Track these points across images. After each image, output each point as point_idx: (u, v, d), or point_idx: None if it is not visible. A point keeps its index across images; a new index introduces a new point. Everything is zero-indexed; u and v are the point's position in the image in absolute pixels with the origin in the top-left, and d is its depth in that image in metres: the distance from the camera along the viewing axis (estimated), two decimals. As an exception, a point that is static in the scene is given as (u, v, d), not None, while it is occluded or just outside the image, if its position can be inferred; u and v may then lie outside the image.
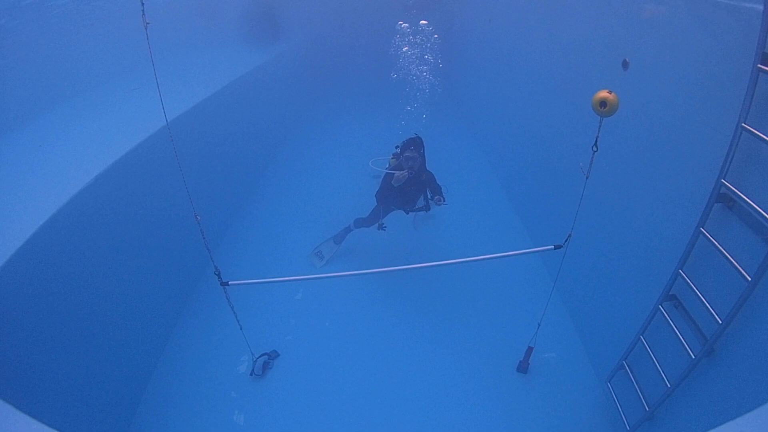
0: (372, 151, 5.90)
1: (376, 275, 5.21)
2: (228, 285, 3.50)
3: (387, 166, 5.47)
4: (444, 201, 5.05)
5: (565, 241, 3.46)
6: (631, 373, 3.54)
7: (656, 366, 3.14)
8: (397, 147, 5.39)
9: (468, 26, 10.66)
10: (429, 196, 5.34)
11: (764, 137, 2.31)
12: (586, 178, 3.07)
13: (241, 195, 7.38)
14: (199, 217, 3.11)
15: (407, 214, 5.68)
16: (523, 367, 4.44)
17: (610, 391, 3.82)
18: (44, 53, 4.74)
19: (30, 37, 4.65)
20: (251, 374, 4.43)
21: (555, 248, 3.53)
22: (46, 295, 3.18)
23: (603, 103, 2.65)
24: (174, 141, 2.94)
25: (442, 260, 3.65)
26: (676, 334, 2.96)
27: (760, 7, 2.33)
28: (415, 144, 5.14)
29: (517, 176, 7.28)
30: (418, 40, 9.42)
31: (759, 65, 2.33)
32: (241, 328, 3.96)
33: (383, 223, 5.61)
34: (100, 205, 3.80)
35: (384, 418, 4.11)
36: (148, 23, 2.40)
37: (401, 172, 4.98)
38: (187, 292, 5.36)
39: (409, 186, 5.23)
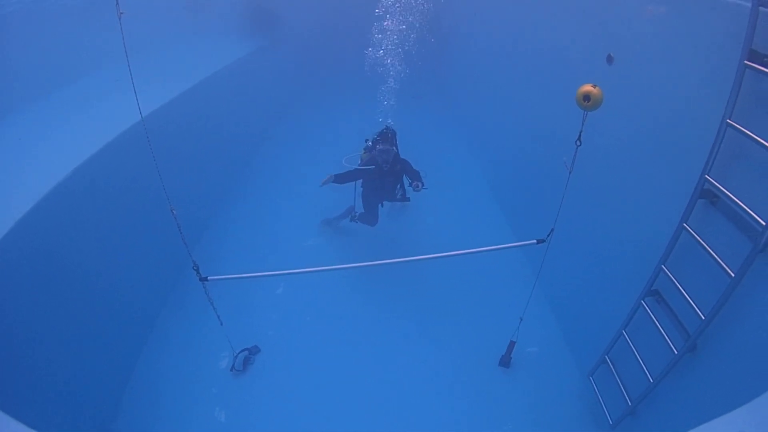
0: (356, 144, 5.83)
1: (357, 270, 5.17)
2: (207, 280, 3.44)
3: (359, 161, 5.44)
4: (424, 186, 5.01)
5: (548, 235, 3.45)
6: (614, 367, 3.55)
7: (639, 361, 3.15)
8: (367, 140, 5.34)
9: (453, 20, 10.60)
10: (408, 184, 5.30)
11: (749, 134, 2.31)
12: (570, 172, 3.05)
13: (224, 189, 7.24)
14: (174, 211, 3.04)
15: (382, 206, 5.66)
16: (505, 362, 4.44)
17: (593, 386, 3.84)
18: (29, 45, 4.62)
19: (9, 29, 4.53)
20: (232, 370, 4.37)
21: (538, 242, 3.52)
22: (22, 293, 3.09)
23: (587, 97, 2.63)
24: (150, 134, 2.87)
25: (424, 255, 3.62)
26: (659, 329, 2.97)
27: (748, 3, 2.31)
28: (387, 136, 5.10)
29: (500, 170, 7.27)
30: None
31: (746, 61, 2.32)
32: (221, 324, 3.89)
33: (356, 215, 5.69)
34: (76, 201, 3.70)
35: (366, 412, 4.09)
36: (122, 13, 2.31)
37: (328, 177, 5.03)
38: (168, 287, 5.26)
39: (386, 177, 5.20)
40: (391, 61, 9.26)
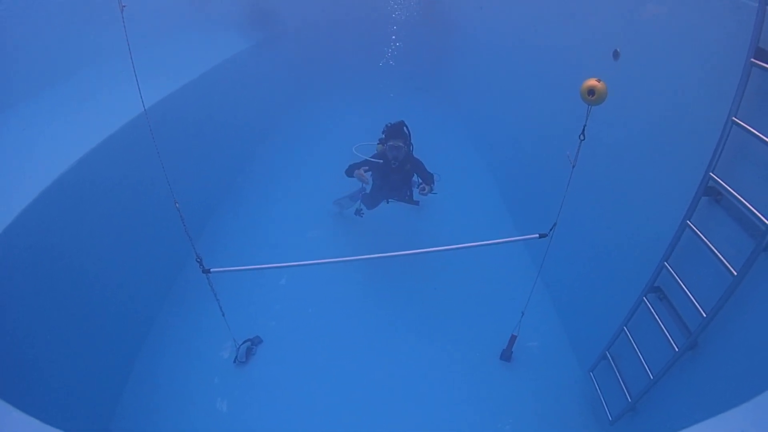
0: (360, 139, 5.81)
1: (359, 262, 5.18)
2: (210, 272, 3.45)
3: (374, 152, 5.40)
4: (432, 192, 4.95)
5: (551, 230, 3.45)
6: (614, 363, 3.55)
7: (639, 358, 3.15)
8: (384, 133, 5.29)
9: (457, 15, 10.54)
10: (417, 184, 5.26)
11: (755, 132, 2.29)
12: (573, 167, 3.04)
13: (225, 182, 7.25)
14: (178, 204, 3.04)
15: (387, 203, 5.63)
16: (506, 356, 4.45)
17: (593, 381, 3.84)
18: (29, 38, 4.61)
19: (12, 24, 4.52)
20: (234, 361, 4.39)
21: (540, 237, 3.51)
22: (18, 288, 3.10)
23: (591, 91, 2.61)
24: (153, 126, 2.86)
25: (426, 248, 3.61)
26: (660, 326, 2.97)
27: (755, 3, 2.30)
28: (400, 132, 5.05)
29: (503, 164, 7.25)
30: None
31: (752, 59, 2.30)
32: (223, 315, 3.91)
33: (361, 209, 5.65)
34: (75, 195, 3.69)
35: (367, 405, 4.11)
36: (124, 6, 2.31)
37: (359, 175, 5.01)
38: (170, 279, 5.28)
39: (393, 174, 5.16)
40: (393, 55, 9.25)
